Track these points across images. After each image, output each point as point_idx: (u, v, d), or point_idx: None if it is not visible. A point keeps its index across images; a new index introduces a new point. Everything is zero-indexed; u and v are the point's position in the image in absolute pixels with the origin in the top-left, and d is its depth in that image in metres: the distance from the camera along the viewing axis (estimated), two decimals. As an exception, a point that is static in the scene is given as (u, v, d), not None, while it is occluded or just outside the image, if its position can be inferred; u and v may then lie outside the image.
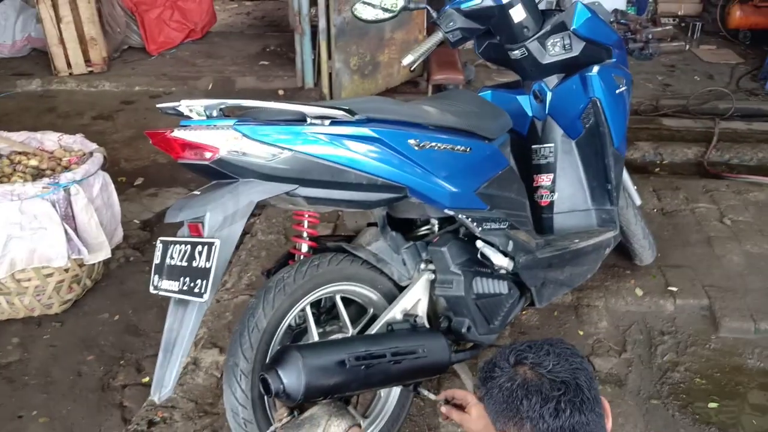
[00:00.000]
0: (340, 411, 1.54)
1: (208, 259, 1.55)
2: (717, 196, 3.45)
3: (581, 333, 2.56)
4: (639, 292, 2.73)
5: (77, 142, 3.13)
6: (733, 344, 2.51)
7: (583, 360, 1.10)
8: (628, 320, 2.63)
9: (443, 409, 1.63)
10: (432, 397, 1.83)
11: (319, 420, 1.52)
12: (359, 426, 1.54)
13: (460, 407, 1.59)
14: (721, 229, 3.18)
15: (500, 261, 2.02)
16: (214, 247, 1.54)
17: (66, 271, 2.81)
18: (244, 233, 3.29)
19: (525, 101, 2.49)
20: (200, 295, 1.54)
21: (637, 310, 2.68)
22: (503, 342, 2.48)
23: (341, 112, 1.66)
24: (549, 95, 2.45)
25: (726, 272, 2.86)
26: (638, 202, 2.76)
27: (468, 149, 1.97)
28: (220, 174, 1.66)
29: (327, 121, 1.69)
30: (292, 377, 1.54)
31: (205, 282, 1.54)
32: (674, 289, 2.74)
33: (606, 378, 2.34)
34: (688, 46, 6.01)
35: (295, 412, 1.59)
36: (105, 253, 2.90)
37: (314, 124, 1.68)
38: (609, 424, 1.10)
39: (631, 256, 2.87)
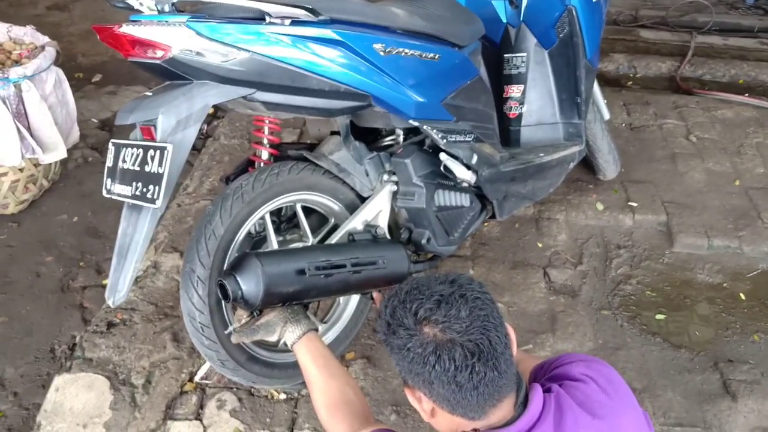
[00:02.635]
0: (296, 317, 1.56)
1: (160, 164, 1.50)
2: (686, 113, 3.44)
3: (540, 245, 2.61)
4: (600, 206, 2.77)
5: (28, 34, 2.95)
6: (685, 259, 2.58)
7: (493, 308, 1.05)
8: (587, 234, 2.68)
9: (375, 294, 1.68)
10: None
11: (274, 326, 1.54)
12: (316, 330, 1.56)
13: None
14: (686, 146, 3.20)
15: (463, 174, 2.00)
16: (166, 152, 1.49)
17: (20, 170, 2.72)
18: (207, 137, 3.21)
19: (500, 6, 2.39)
20: (153, 201, 1.50)
21: (597, 224, 2.72)
22: (463, 254, 2.52)
23: (303, 12, 1.57)
24: (524, 0, 2.35)
25: (686, 189, 2.90)
26: (606, 116, 2.74)
27: (437, 56, 1.90)
28: (174, 74, 1.58)
29: (288, 21, 1.60)
30: (250, 283, 1.54)
31: (157, 188, 1.50)
32: (634, 204, 2.78)
33: (560, 289, 2.41)
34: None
35: (255, 313, 1.61)
36: (61, 153, 2.82)
37: (274, 24, 1.59)
38: (514, 350, 1.08)
39: (595, 171, 2.88)
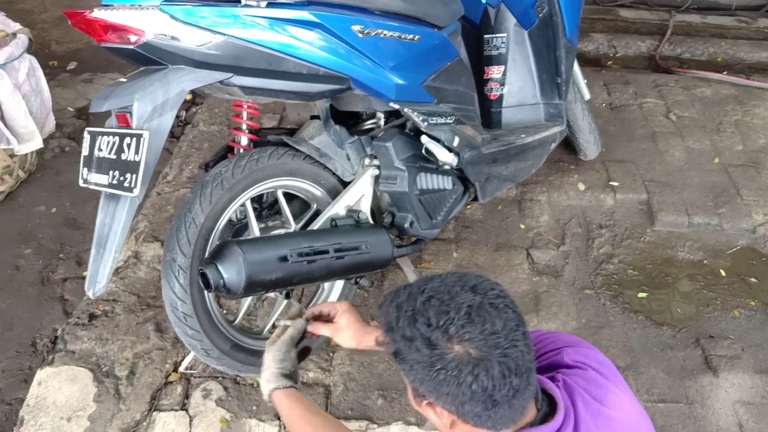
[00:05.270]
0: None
1: (137, 152, 1.47)
2: (665, 92, 3.46)
3: (523, 226, 2.61)
4: (581, 186, 2.78)
5: (-2, 21, 2.88)
6: (666, 237, 2.60)
7: (519, 314, 0.99)
8: (569, 214, 2.69)
9: (309, 327, 1.41)
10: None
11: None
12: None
13: (328, 320, 1.42)
14: (666, 124, 3.21)
15: (445, 157, 1.99)
16: (142, 139, 1.47)
17: (-5, 161, 2.67)
18: (185, 123, 3.17)
19: (479, -14, 2.37)
20: (130, 189, 1.48)
21: (578, 204, 2.73)
22: (446, 236, 2.52)
23: (279, -7, 1.55)
24: (503, -19, 2.33)
25: (666, 167, 2.92)
26: (587, 96, 2.74)
27: (416, 38, 1.88)
28: (149, 59, 1.56)
29: (263, 3, 1.57)
30: (232, 272, 1.53)
31: (134, 176, 1.47)
32: (615, 183, 2.80)
33: (543, 270, 2.42)
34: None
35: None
36: (36, 143, 2.77)
37: (249, 6, 1.57)
38: None
39: (576, 151, 2.89)
